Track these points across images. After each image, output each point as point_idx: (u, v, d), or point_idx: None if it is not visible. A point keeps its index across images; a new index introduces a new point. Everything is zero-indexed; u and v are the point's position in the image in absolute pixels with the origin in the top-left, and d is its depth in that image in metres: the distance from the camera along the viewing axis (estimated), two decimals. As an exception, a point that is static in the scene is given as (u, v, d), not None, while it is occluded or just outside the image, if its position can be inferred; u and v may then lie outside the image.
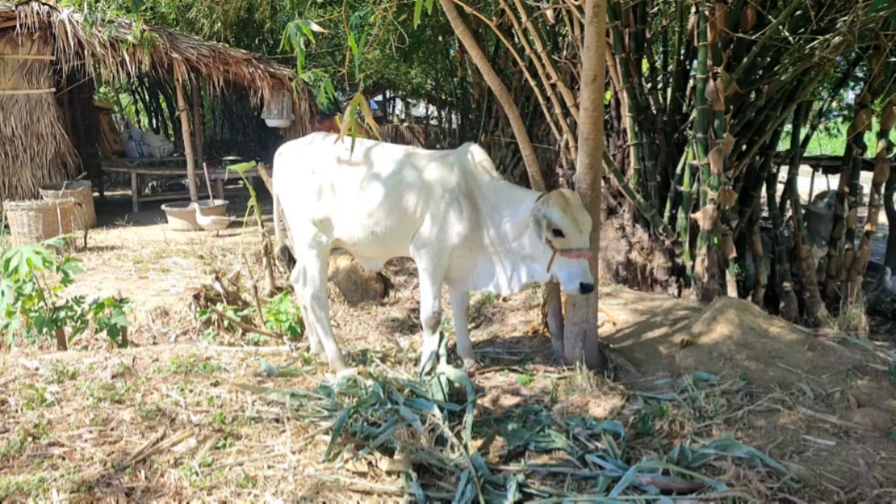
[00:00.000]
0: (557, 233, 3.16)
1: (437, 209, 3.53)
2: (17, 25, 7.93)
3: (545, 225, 3.17)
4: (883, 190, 5.79)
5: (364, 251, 3.87)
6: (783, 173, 5.84)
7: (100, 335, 4.65)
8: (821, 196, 7.18)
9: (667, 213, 5.10)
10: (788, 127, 5.65)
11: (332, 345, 3.88)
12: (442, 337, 3.63)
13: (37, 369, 3.60)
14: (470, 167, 3.55)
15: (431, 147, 12.47)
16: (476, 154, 3.58)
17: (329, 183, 3.71)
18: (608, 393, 3.28)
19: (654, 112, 5.25)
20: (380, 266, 4.08)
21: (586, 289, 3.13)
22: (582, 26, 3.73)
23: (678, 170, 5.03)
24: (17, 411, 3.09)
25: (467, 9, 3.83)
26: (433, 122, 15.80)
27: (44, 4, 8.15)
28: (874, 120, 5.32)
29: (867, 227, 5.15)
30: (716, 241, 4.67)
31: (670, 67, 5.63)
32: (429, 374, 3.46)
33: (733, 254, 4.74)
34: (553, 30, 6.00)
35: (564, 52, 5.70)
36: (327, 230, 3.79)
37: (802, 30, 4.40)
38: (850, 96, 9.15)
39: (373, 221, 3.63)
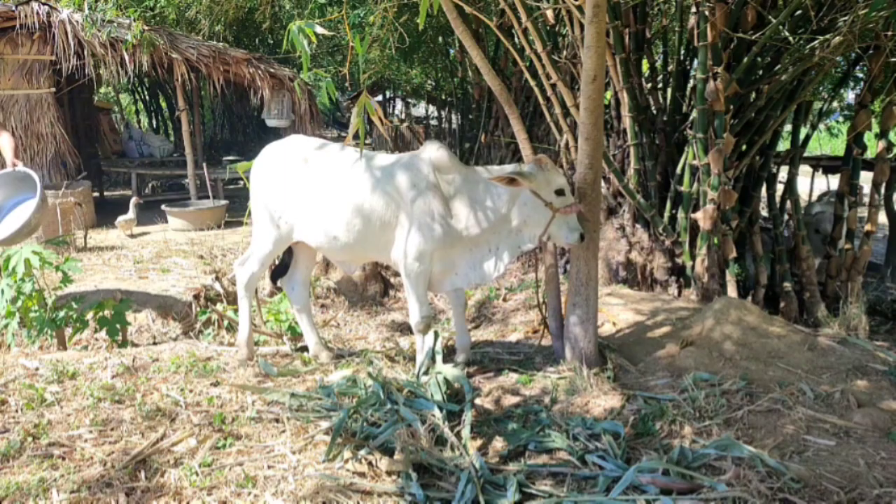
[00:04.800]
0: (559, 192, 3.40)
1: (410, 213, 3.52)
2: (17, 25, 7.93)
3: (550, 188, 3.40)
4: (883, 190, 5.79)
5: (332, 255, 3.90)
6: (783, 173, 5.84)
7: (100, 335, 4.65)
8: (820, 198, 7.10)
9: (667, 213, 5.09)
10: (788, 127, 5.64)
11: (244, 330, 4.02)
12: (437, 336, 3.62)
13: (37, 369, 3.61)
14: (435, 165, 3.54)
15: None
16: (437, 151, 3.57)
17: (296, 185, 3.75)
18: (608, 393, 3.28)
19: (654, 112, 5.25)
20: (353, 269, 4.15)
21: (583, 237, 3.46)
22: (582, 26, 3.73)
23: (678, 170, 5.03)
24: (17, 411, 3.09)
25: (467, 9, 3.83)
26: (433, 122, 15.79)
27: (44, 4, 8.14)
28: (874, 120, 5.31)
29: (867, 227, 5.15)
30: (716, 241, 4.67)
31: (670, 67, 5.62)
32: (425, 374, 3.46)
33: (733, 254, 4.73)
34: (553, 30, 5.99)
35: (564, 52, 5.70)
36: (289, 231, 3.83)
37: (802, 30, 4.40)
38: (850, 96, 9.14)
39: (336, 225, 3.64)
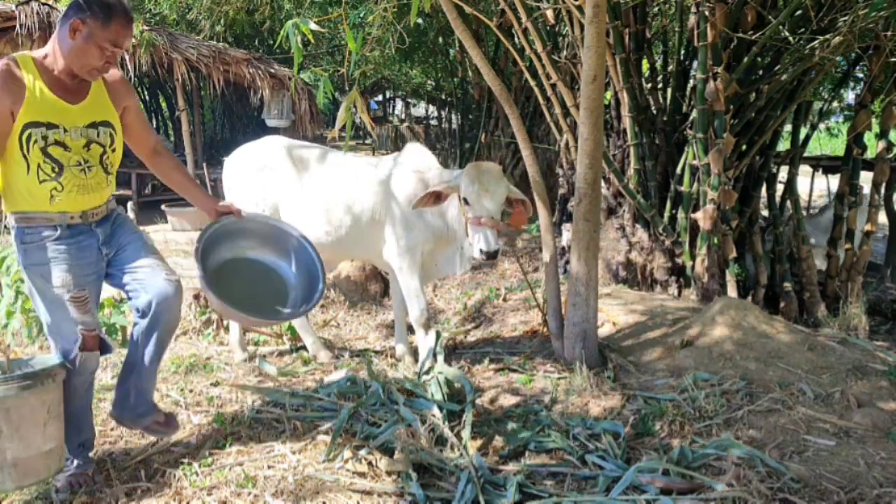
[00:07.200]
0: (465, 201, 3.38)
1: (398, 212, 3.65)
2: (17, 25, 7.92)
3: (460, 195, 3.41)
4: (883, 190, 5.78)
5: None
6: (783, 173, 5.84)
7: (100, 335, 4.64)
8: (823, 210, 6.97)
9: (667, 213, 5.09)
10: (788, 127, 5.64)
11: (234, 332, 4.09)
12: (438, 335, 3.63)
13: (37, 369, 3.59)
14: (417, 166, 3.67)
15: (432, 147, 12.47)
16: (419, 152, 3.75)
17: (278, 181, 3.80)
18: (608, 393, 3.28)
19: (654, 112, 5.24)
20: (333, 268, 4.20)
21: (486, 255, 3.30)
22: (582, 26, 3.73)
23: (678, 170, 5.03)
24: (16, 411, 3.08)
25: (467, 9, 3.83)
26: (433, 122, 15.78)
27: (44, 4, 8.14)
28: (874, 120, 5.31)
29: (867, 227, 5.14)
30: (716, 241, 4.67)
31: (670, 67, 5.62)
32: (427, 373, 3.47)
33: (733, 254, 4.73)
34: (553, 30, 5.99)
35: (564, 52, 5.69)
36: None
37: (802, 30, 4.39)
38: (850, 96, 9.14)
39: (325, 222, 3.73)
